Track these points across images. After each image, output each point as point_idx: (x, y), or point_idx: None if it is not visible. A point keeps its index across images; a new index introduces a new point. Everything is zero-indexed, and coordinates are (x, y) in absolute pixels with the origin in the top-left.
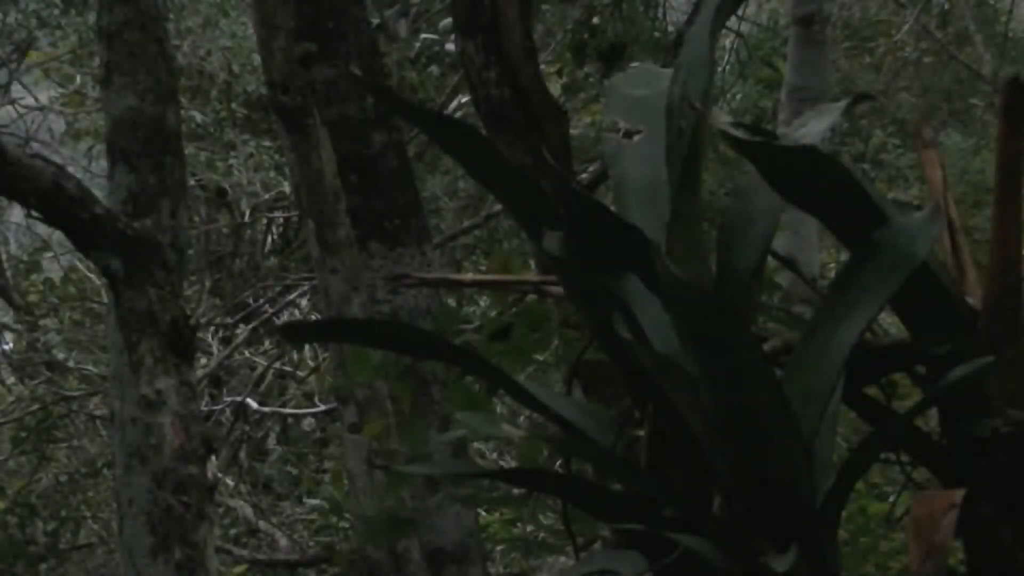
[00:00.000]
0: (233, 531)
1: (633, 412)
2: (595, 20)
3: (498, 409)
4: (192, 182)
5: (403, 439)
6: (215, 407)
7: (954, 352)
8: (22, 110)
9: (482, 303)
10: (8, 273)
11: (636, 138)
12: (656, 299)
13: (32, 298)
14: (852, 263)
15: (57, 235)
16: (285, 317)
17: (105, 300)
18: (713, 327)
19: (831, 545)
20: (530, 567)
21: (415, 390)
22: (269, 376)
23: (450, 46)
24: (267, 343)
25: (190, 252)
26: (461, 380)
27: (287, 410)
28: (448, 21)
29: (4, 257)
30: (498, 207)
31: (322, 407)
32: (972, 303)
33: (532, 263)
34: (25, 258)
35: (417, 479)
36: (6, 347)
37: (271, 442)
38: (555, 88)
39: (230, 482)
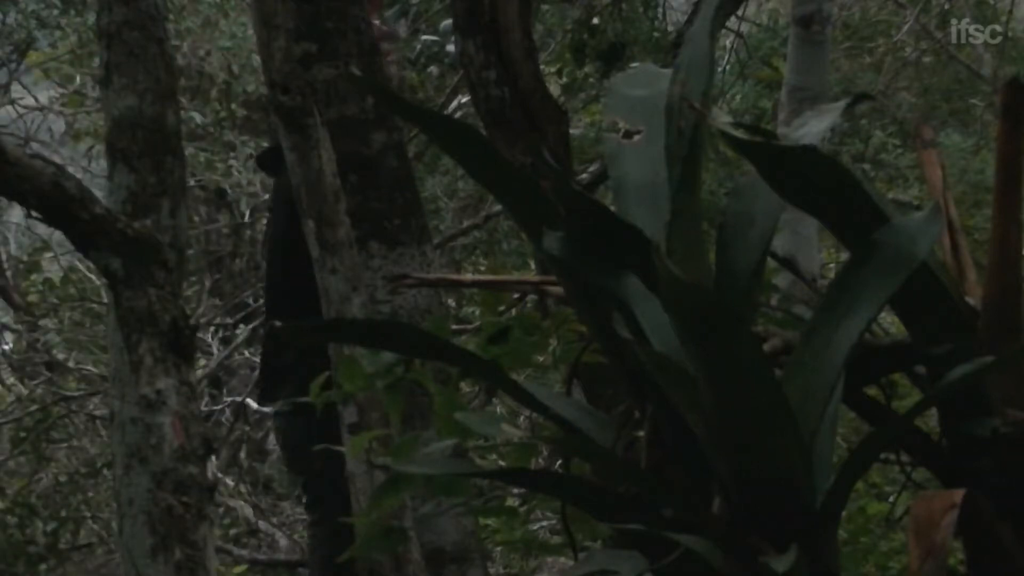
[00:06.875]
0: (233, 531)
1: (633, 412)
2: (595, 20)
3: (498, 409)
4: (192, 182)
5: (399, 447)
6: (215, 407)
7: (954, 352)
8: (22, 110)
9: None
10: (8, 273)
11: (636, 138)
12: (656, 299)
13: (32, 298)
14: (852, 263)
15: (57, 235)
16: None
17: (105, 300)
18: (713, 327)
19: (831, 545)
20: (529, 568)
21: (411, 395)
22: None
23: (450, 47)
24: None
25: (190, 252)
26: (456, 387)
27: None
28: (448, 22)
29: (4, 257)
30: (498, 207)
31: None
32: (972, 303)
33: (532, 263)
34: (25, 258)
35: (417, 484)
36: (6, 347)
37: (271, 442)
38: (555, 88)
39: (230, 482)
